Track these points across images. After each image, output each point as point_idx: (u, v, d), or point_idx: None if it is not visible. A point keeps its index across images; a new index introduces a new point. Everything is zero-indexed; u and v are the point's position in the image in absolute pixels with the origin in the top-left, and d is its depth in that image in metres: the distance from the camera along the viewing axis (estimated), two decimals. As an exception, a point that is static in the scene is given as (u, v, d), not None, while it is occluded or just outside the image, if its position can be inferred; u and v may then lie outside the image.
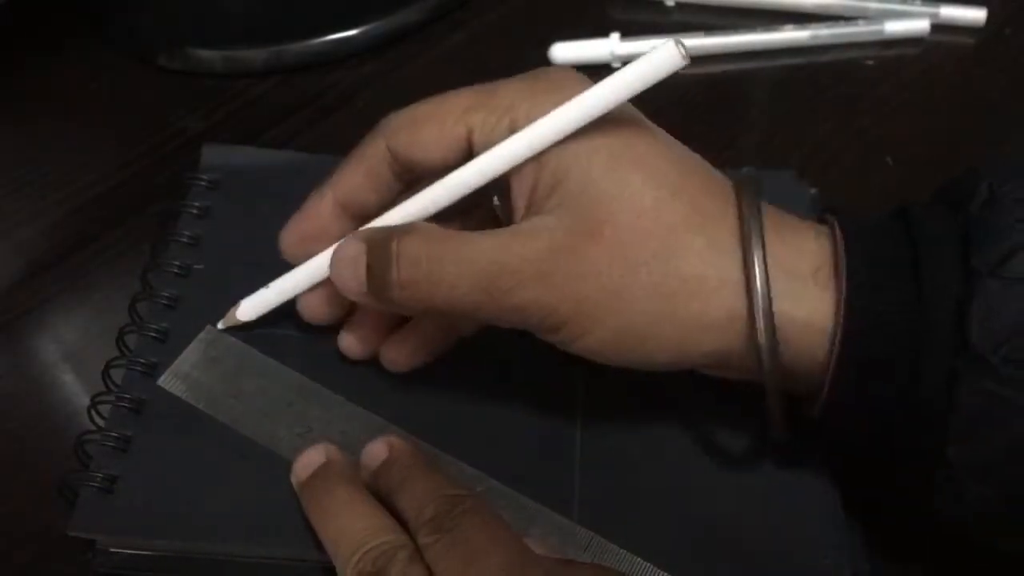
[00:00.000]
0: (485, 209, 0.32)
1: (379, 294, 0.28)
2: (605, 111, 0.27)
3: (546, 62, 0.44)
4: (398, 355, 0.32)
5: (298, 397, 0.32)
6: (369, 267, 0.28)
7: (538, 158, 0.28)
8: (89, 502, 0.30)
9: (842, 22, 0.44)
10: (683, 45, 0.26)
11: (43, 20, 0.47)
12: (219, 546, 0.30)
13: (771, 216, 0.27)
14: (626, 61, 0.44)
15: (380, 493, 0.29)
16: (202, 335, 0.34)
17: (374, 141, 0.30)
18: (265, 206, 0.36)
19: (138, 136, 0.43)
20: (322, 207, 0.31)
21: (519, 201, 0.28)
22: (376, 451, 0.30)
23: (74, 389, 0.36)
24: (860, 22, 0.44)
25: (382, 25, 0.45)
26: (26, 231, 0.40)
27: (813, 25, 0.44)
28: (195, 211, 0.37)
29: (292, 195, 0.33)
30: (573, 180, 0.27)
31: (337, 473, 0.29)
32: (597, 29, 0.44)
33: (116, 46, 0.46)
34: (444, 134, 0.29)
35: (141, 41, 0.46)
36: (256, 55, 0.44)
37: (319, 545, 0.28)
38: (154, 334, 0.33)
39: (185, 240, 0.36)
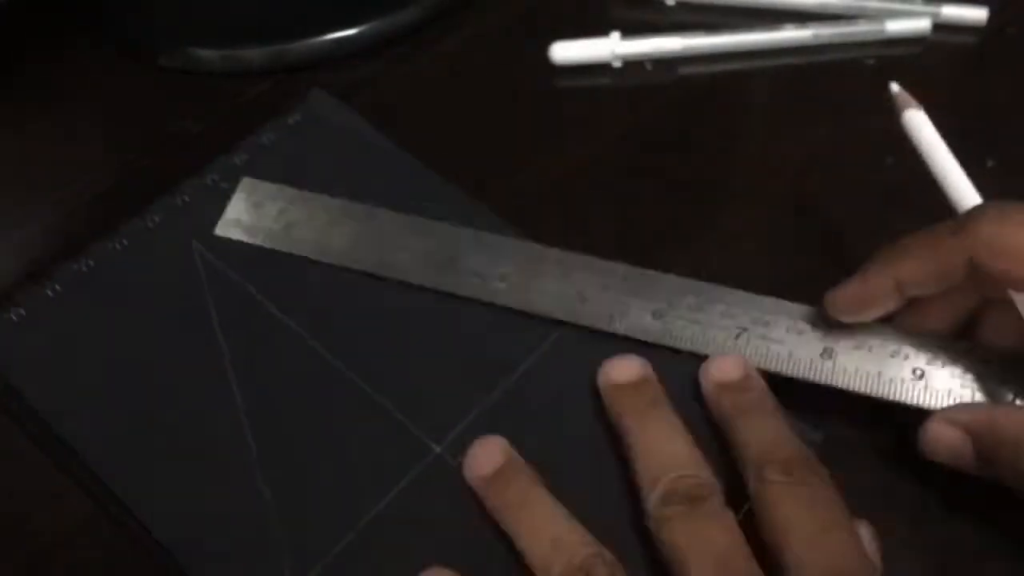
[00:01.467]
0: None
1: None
2: None
3: (546, 61, 0.44)
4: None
5: (343, 216, 0.37)
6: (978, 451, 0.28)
7: None
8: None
9: (843, 21, 0.44)
10: None
11: (42, 20, 0.47)
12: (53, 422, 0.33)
13: None
14: (626, 60, 0.44)
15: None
16: (241, 186, 0.38)
17: (956, 244, 0.28)
18: (321, 174, 0.38)
19: (137, 136, 0.43)
20: (880, 282, 0.30)
21: None
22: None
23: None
24: (861, 21, 0.44)
25: (381, 24, 0.45)
26: (26, 231, 0.40)
27: (814, 24, 0.44)
28: (266, 141, 0.39)
29: (355, 174, 0.38)
30: None
31: (525, 474, 0.30)
32: (597, 28, 0.44)
33: (115, 46, 0.46)
34: None
35: (140, 41, 0.46)
36: (255, 55, 0.44)
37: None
38: (149, 223, 0.37)
39: (237, 161, 0.39)
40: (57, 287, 0.35)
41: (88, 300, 0.35)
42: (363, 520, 0.30)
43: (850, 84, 0.43)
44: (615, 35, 0.44)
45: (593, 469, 0.31)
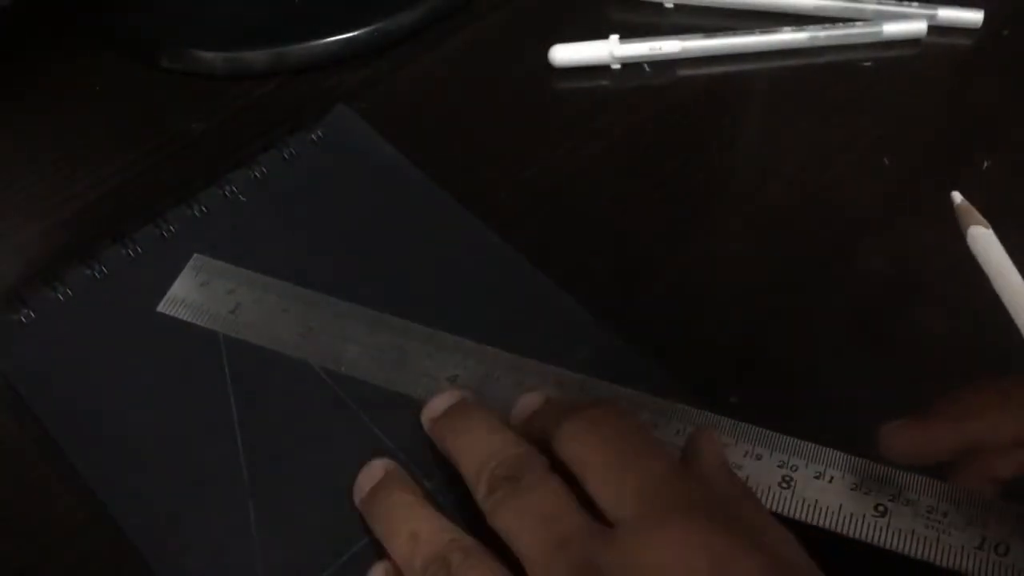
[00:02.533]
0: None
1: None
2: None
3: (546, 63, 0.44)
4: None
5: (295, 303, 0.35)
6: None
7: None
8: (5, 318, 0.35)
9: (840, 24, 0.44)
10: None
11: (45, 22, 0.47)
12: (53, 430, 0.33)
13: None
14: (624, 62, 0.44)
15: (441, 442, 0.30)
16: (191, 263, 0.36)
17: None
18: (336, 192, 0.38)
19: (139, 138, 0.43)
20: (941, 431, 0.28)
21: None
22: (442, 400, 0.31)
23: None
24: (858, 24, 0.44)
25: (383, 27, 0.45)
26: (27, 232, 0.40)
27: (811, 27, 0.44)
28: (286, 155, 0.39)
29: (368, 196, 0.37)
30: None
31: (397, 482, 0.30)
32: (596, 31, 0.44)
33: (117, 48, 0.46)
34: None
35: (142, 43, 0.46)
36: (257, 57, 0.45)
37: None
38: (165, 232, 0.37)
39: (256, 174, 0.38)
40: (68, 291, 0.35)
41: (99, 306, 0.35)
42: (344, 556, 0.30)
43: (847, 86, 0.44)
44: (614, 38, 0.44)
45: None
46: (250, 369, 0.34)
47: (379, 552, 0.29)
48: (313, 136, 0.40)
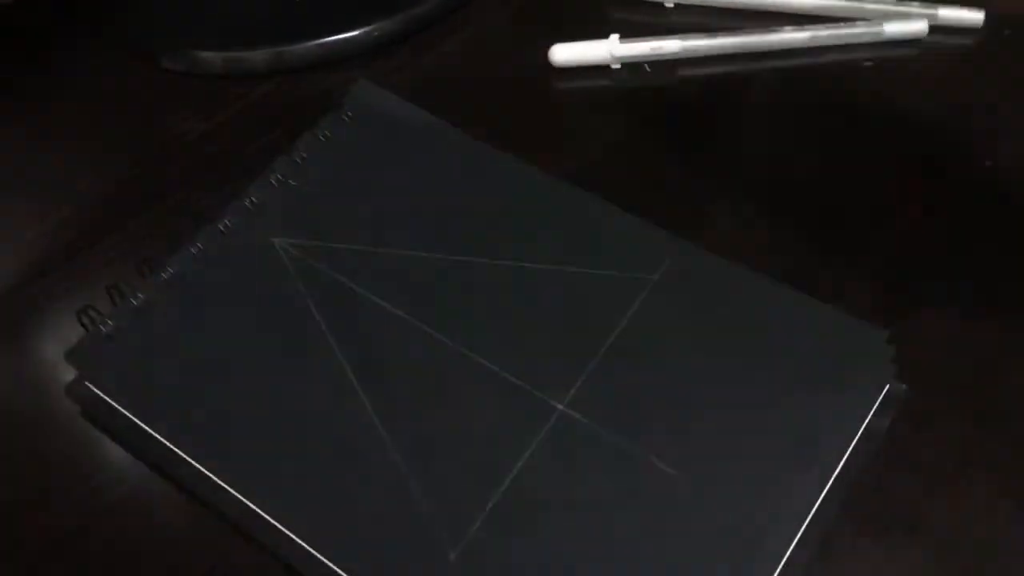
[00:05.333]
0: None
1: None
2: None
3: (546, 63, 0.44)
4: None
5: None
6: None
7: None
8: (91, 338, 0.34)
9: (841, 23, 0.44)
10: None
11: (44, 21, 0.47)
12: (173, 441, 0.33)
13: None
14: (624, 62, 0.44)
15: None
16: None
17: None
18: (381, 160, 0.39)
19: (139, 137, 0.43)
20: None
21: None
22: None
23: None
24: (859, 23, 0.44)
25: (384, 26, 0.45)
26: (27, 232, 0.40)
27: (812, 26, 0.44)
28: (323, 137, 0.39)
29: (411, 158, 0.38)
30: None
31: None
32: (596, 30, 0.44)
33: (118, 47, 0.46)
34: None
35: (143, 42, 0.46)
36: (257, 56, 0.45)
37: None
38: (222, 227, 0.37)
39: (297, 159, 0.39)
40: (140, 295, 0.35)
41: (176, 306, 0.35)
42: (504, 483, 0.31)
43: (848, 85, 0.44)
44: (614, 37, 0.44)
45: (706, 389, 0.33)
46: (353, 338, 0.35)
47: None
48: (344, 116, 0.40)
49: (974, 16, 0.45)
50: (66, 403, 0.35)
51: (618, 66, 0.44)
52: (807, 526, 0.30)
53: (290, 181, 0.39)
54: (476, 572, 0.30)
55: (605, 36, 0.44)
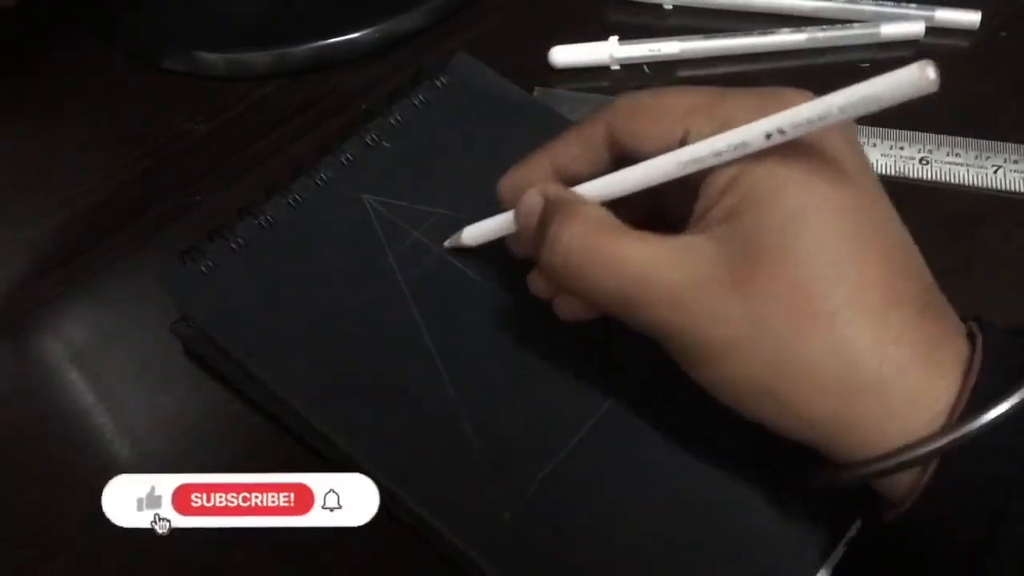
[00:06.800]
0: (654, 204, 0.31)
1: (537, 257, 0.29)
2: (823, 125, 0.26)
3: (546, 65, 0.44)
4: (567, 307, 0.31)
5: None
6: (539, 226, 0.29)
7: (736, 176, 0.27)
8: (187, 271, 0.35)
9: (838, 25, 0.45)
10: (934, 68, 0.23)
11: (47, 22, 0.47)
12: (272, 383, 0.34)
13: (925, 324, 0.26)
14: (624, 63, 0.45)
15: None
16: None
17: (597, 118, 0.30)
18: (474, 130, 0.39)
19: (141, 138, 0.43)
20: (538, 165, 0.32)
21: (698, 209, 0.28)
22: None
23: (79, 389, 0.36)
24: (856, 25, 0.45)
25: (385, 28, 0.46)
26: (30, 232, 0.40)
27: (809, 28, 0.44)
28: (417, 103, 0.40)
29: (504, 131, 0.39)
30: (755, 214, 0.26)
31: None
32: (596, 32, 0.44)
33: (120, 48, 0.47)
34: (662, 131, 0.29)
35: (144, 43, 0.46)
36: (259, 58, 0.45)
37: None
38: (319, 180, 0.38)
39: (392, 121, 0.39)
40: (240, 240, 0.36)
41: (272, 252, 0.36)
42: (561, 453, 0.32)
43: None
44: (613, 39, 0.44)
45: None
46: (428, 294, 0.35)
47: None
48: (438, 83, 0.41)
49: (970, 17, 0.45)
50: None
51: (618, 67, 0.45)
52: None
53: (384, 143, 0.39)
54: (529, 533, 0.31)
55: (605, 38, 0.44)
